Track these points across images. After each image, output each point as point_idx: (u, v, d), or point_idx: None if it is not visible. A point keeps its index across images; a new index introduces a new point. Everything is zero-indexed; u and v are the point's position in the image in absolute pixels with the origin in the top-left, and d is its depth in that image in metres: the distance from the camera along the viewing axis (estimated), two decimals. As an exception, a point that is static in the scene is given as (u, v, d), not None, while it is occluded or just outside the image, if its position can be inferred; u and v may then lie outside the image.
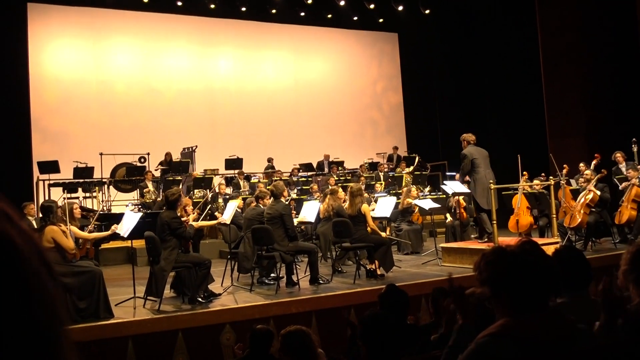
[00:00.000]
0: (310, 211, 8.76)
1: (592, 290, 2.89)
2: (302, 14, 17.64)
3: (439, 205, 10.17)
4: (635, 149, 10.54)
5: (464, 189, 9.52)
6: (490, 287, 1.87)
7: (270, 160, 15.47)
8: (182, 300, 6.77)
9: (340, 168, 15.35)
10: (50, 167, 12.65)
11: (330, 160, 15.94)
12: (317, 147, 16.77)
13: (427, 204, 9.94)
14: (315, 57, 18.95)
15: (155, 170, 13.64)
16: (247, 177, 13.93)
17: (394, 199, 9.33)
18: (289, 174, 14.49)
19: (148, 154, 14.28)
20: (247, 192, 12.53)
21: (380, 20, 18.66)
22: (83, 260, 6.63)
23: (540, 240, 8.23)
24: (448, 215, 11.00)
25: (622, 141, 10.80)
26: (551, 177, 9.26)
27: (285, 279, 7.62)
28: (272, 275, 7.91)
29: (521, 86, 15.21)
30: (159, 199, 11.88)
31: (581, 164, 10.30)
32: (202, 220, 7.77)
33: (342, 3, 16.92)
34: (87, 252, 6.91)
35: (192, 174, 13.37)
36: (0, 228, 0.60)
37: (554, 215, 8.77)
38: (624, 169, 10.22)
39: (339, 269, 8.59)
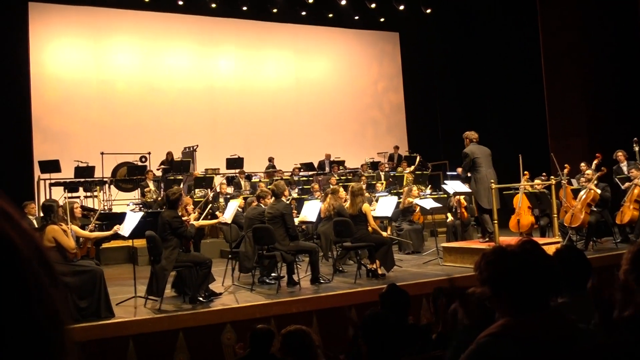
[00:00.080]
0: (311, 211, 8.76)
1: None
2: (303, 13, 17.64)
3: (440, 205, 10.17)
4: (637, 148, 10.53)
5: (464, 188, 9.51)
6: (491, 287, 1.87)
7: (271, 159, 15.48)
8: (183, 300, 6.77)
9: (341, 167, 15.35)
10: (51, 166, 12.66)
11: (331, 159, 15.94)
12: (318, 146, 16.78)
13: (428, 203, 9.94)
14: (316, 57, 18.95)
15: (157, 169, 13.65)
16: (248, 177, 13.93)
17: (395, 199, 9.33)
18: (290, 173, 14.49)
19: (149, 153, 14.29)
20: (248, 192, 12.53)
21: (382, 19, 18.66)
22: (84, 259, 6.64)
23: (541, 240, 8.23)
24: (449, 214, 11.00)
25: (624, 140, 10.80)
26: (552, 177, 9.25)
27: (286, 279, 7.62)
28: (273, 274, 7.90)
29: (522, 86, 15.20)
30: (159, 198, 11.90)
31: (582, 164, 10.29)
32: (203, 219, 7.77)
33: (343, 2, 16.91)
34: (88, 251, 6.92)
35: (193, 174, 13.37)
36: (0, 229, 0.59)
37: (555, 215, 8.76)
38: (625, 168, 10.22)
39: (340, 268, 8.59)
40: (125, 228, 7.02)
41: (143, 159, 14.16)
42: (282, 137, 17.45)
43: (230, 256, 8.40)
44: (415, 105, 19.47)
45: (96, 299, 5.97)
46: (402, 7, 17.02)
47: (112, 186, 13.50)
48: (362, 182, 11.58)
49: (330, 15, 17.99)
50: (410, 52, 19.66)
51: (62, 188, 12.54)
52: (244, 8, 16.56)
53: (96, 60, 16.01)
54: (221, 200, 11.85)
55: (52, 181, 12.73)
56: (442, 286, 4.27)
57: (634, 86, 12.31)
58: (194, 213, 7.52)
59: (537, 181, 10.06)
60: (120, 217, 7.69)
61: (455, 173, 11.71)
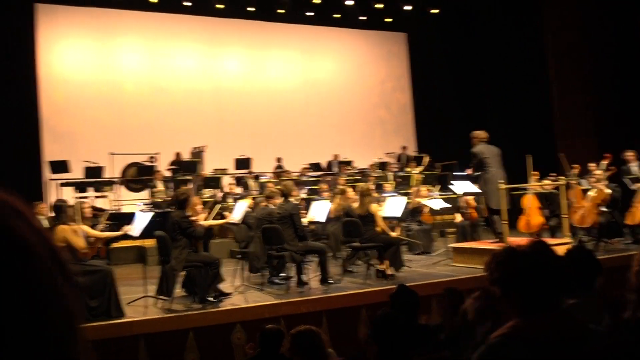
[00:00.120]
0: (320, 211, 8.76)
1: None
2: (310, 14, 17.64)
3: (449, 205, 10.15)
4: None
5: (473, 188, 9.49)
6: (501, 288, 1.88)
7: (279, 160, 15.49)
8: (192, 300, 6.79)
9: (349, 168, 15.34)
10: (61, 166, 12.72)
11: (339, 160, 15.94)
12: (326, 146, 16.78)
13: (438, 203, 9.93)
14: (323, 57, 18.94)
15: (167, 170, 13.70)
16: (257, 177, 13.96)
17: (404, 199, 9.31)
18: (298, 173, 14.50)
19: (158, 153, 14.34)
20: (256, 192, 12.55)
21: (389, 20, 18.63)
22: (94, 259, 6.69)
23: (551, 241, 8.20)
24: (458, 215, 10.97)
25: (632, 140, 10.75)
26: (562, 177, 9.22)
27: (296, 279, 7.63)
28: (282, 274, 7.92)
29: (529, 85, 15.15)
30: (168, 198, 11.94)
31: (592, 164, 10.24)
32: (211, 220, 7.80)
33: (349, 3, 16.90)
34: (98, 251, 6.96)
35: (202, 174, 13.41)
36: (12, 225, 0.60)
37: (565, 216, 8.72)
38: (634, 169, 10.17)
39: (349, 268, 8.59)
40: (135, 228, 7.05)
41: (152, 160, 14.21)
42: (290, 138, 17.45)
43: (239, 256, 8.42)
44: (423, 105, 19.43)
45: (106, 298, 6.00)
46: (409, 8, 16.99)
47: (121, 186, 13.55)
48: (370, 183, 11.58)
49: (337, 15, 17.98)
50: (417, 52, 19.63)
51: (72, 188, 12.60)
52: (251, 9, 16.58)
53: (104, 61, 16.07)
54: (230, 200, 11.88)
55: (62, 181, 12.79)
56: (453, 287, 4.27)
57: (640, 86, 12.27)
58: (203, 213, 7.55)
59: (546, 181, 10.02)
60: (129, 217, 7.72)
61: (464, 173, 11.69)
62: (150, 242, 7.94)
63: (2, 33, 13.92)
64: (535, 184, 9.78)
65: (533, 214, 9.78)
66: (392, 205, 8.97)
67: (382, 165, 15.47)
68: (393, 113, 19.72)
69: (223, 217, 8.77)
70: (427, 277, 7.65)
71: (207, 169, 14.18)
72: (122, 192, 13.59)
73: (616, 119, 12.20)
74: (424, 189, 11.20)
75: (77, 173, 12.85)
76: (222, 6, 16.14)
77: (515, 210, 10.08)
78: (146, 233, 7.05)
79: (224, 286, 7.22)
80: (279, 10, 16.96)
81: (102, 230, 7.23)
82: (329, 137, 17.71)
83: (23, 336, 0.56)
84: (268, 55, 18.13)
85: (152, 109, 16.20)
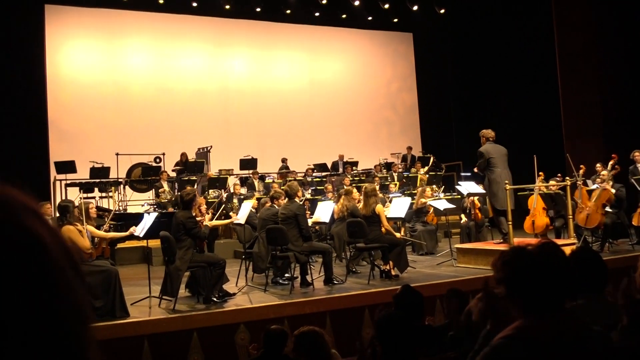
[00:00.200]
0: (324, 211, 8.76)
1: (608, 292, 2.86)
2: (317, 14, 17.66)
3: (453, 206, 10.12)
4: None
5: (478, 189, 9.46)
6: (506, 287, 1.86)
7: (284, 160, 15.50)
8: (197, 300, 6.80)
9: (354, 168, 15.33)
10: (67, 167, 12.77)
11: (345, 160, 15.94)
12: (331, 147, 16.78)
13: (442, 204, 9.90)
14: (330, 58, 18.95)
15: (173, 170, 13.73)
16: (262, 178, 13.96)
17: (408, 200, 9.29)
18: (303, 174, 14.50)
19: (163, 154, 14.37)
20: (261, 193, 12.56)
21: (395, 20, 18.62)
22: (99, 259, 6.69)
23: (556, 242, 8.16)
24: (463, 215, 10.95)
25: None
26: (567, 178, 9.18)
27: (300, 279, 7.62)
28: (286, 275, 7.92)
29: (537, 86, 15.11)
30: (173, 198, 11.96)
31: (598, 165, 10.19)
32: (216, 220, 7.80)
33: (356, 3, 16.91)
34: (103, 251, 6.97)
35: (207, 174, 13.43)
36: (30, 226, 0.60)
37: (571, 216, 8.68)
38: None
39: (353, 269, 8.58)
40: (140, 228, 7.06)
41: (157, 160, 14.24)
42: (296, 138, 17.47)
43: (244, 257, 8.43)
44: (429, 106, 19.41)
45: (111, 298, 6.01)
46: (415, 8, 16.98)
47: (126, 187, 13.59)
48: (375, 183, 11.56)
49: (344, 16, 17.98)
50: (424, 52, 19.61)
51: (77, 189, 12.64)
52: (258, 9, 16.62)
53: (111, 62, 16.13)
54: (235, 201, 11.89)
55: (68, 182, 12.83)
56: (456, 288, 4.26)
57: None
58: (208, 214, 7.55)
59: (552, 182, 9.98)
60: (134, 218, 7.73)
61: (469, 174, 11.66)
62: (155, 243, 7.94)
63: (12, 34, 14.00)
64: (540, 185, 9.74)
65: (538, 215, 9.74)
66: (397, 206, 8.95)
67: (388, 166, 15.45)
68: (399, 113, 19.70)
69: (228, 217, 8.77)
70: (431, 278, 7.63)
71: (213, 170, 14.20)
72: (128, 192, 13.61)
73: (624, 120, 12.15)
74: (428, 190, 11.18)
75: (84, 173, 12.89)
76: (228, 6, 16.17)
77: (521, 211, 10.05)
78: (151, 233, 7.06)
79: (228, 286, 7.23)
80: (286, 11, 16.99)
81: (106, 231, 7.25)
82: (335, 138, 17.71)
83: (37, 335, 0.57)
84: (274, 56, 18.15)
85: (158, 109, 16.24)
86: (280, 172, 14.77)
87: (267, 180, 13.74)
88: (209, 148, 14.68)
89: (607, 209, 9.34)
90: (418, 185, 13.47)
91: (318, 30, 18.55)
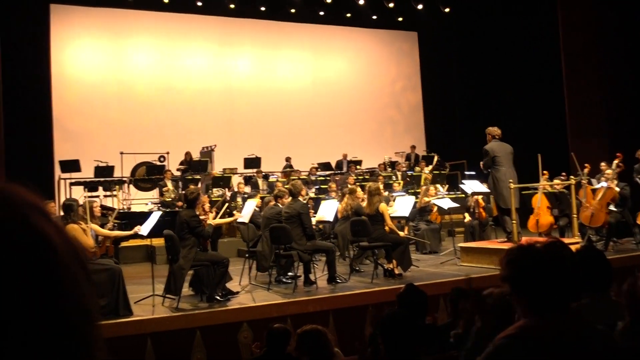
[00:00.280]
0: (328, 210, 8.75)
1: (613, 291, 2.85)
2: (321, 13, 17.65)
3: (457, 205, 10.11)
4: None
5: (483, 188, 9.43)
6: (511, 285, 1.85)
7: (288, 159, 15.50)
8: (200, 299, 6.80)
9: (358, 167, 15.32)
10: (72, 166, 12.79)
11: (349, 159, 15.93)
12: (335, 146, 16.76)
13: (446, 203, 9.89)
14: (334, 57, 18.93)
15: (177, 170, 13.74)
16: (266, 176, 13.97)
17: (412, 198, 9.28)
18: (307, 173, 14.49)
19: (167, 153, 14.39)
20: (265, 191, 12.56)
21: (400, 19, 18.59)
22: (103, 258, 6.70)
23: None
24: (467, 214, 10.93)
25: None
26: (572, 177, 9.14)
27: (303, 278, 7.62)
28: (289, 274, 7.92)
29: (541, 85, 15.08)
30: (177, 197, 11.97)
31: (602, 164, 10.16)
32: (220, 218, 7.80)
33: (361, 2, 16.89)
34: (106, 250, 6.98)
35: (211, 173, 13.44)
36: (36, 224, 0.60)
37: (575, 215, 8.65)
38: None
39: (357, 268, 8.57)
40: (144, 227, 7.07)
41: (162, 159, 14.26)
42: (300, 137, 17.46)
43: (247, 255, 8.43)
44: (434, 105, 19.38)
45: (115, 297, 6.02)
46: (420, 6, 16.96)
47: (131, 185, 13.61)
48: (379, 182, 11.55)
49: (348, 15, 17.98)
50: (429, 51, 19.58)
51: (82, 187, 12.67)
52: (262, 8, 16.62)
53: (115, 61, 16.16)
54: (239, 199, 11.89)
55: (73, 180, 12.86)
56: (460, 287, 4.25)
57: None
58: (212, 212, 7.55)
59: (556, 181, 9.95)
60: (138, 216, 7.74)
61: (473, 173, 11.64)
62: (159, 241, 7.95)
63: (18, 33, 14.03)
64: (545, 183, 9.71)
65: (542, 214, 9.72)
66: (401, 205, 8.94)
67: (392, 165, 15.43)
68: (403, 112, 19.68)
69: (232, 216, 8.78)
70: (435, 277, 7.62)
71: (217, 168, 14.21)
72: (132, 191, 13.64)
73: (629, 119, 12.10)
74: (432, 189, 11.16)
75: (88, 172, 12.92)
76: (233, 6, 16.18)
77: (525, 210, 10.02)
78: (155, 232, 7.06)
79: (232, 285, 7.23)
80: (290, 10, 16.99)
81: (110, 229, 7.26)
82: (339, 137, 17.70)
83: (43, 333, 0.57)
84: (278, 55, 18.15)
85: (162, 108, 16.26)
86: (284, 171, 14.76)
87: (271, 179, 13.74)
88: (213, 147, 14.69)
89: (612, 207, 9.31)
90: (422, 184, 13.45)
91: (322, 30, 18.53)
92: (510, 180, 8.19)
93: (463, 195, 11.04)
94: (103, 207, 10.09)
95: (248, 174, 14.24)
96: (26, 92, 14.07)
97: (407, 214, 8.94)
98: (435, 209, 10.62)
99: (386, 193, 10.51)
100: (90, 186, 12.70)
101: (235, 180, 13.57)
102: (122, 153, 13.62)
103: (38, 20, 14.77)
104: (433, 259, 9.74)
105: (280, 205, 8.03)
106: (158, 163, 13.95)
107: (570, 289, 1.82)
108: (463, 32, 18.06)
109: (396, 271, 7.86)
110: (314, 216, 8.94)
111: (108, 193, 13.07)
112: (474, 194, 9.97)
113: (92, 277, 0.66)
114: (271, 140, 16.83)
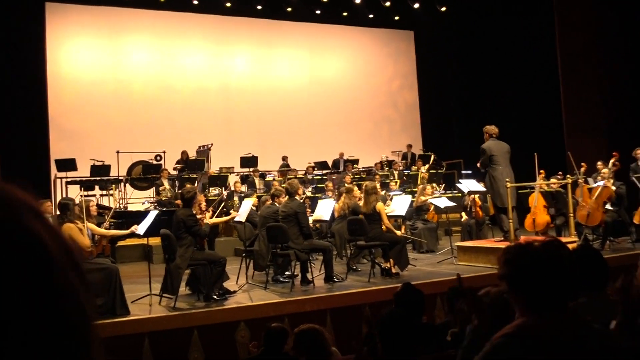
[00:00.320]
0: (325, 209, 8.75)
1: (610, 290, 2.86)
2: (318, 12, 17.65)
3: (454, 204, 10.12)
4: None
5: (479, 187, 9.44)
6: (508, 284, 1.85)
7: (285, 158, 15.49)
8: (197, 298, 6.79)
9: (355, 166, 15.33)
10: (68, 165, 12.76)
11: (346, 158, 15.93)
12: (332, 145, 16.76)
13: (443, 202, 9.90)
14: (331, 55, 18.93)
15: (174, 169, 13.73)
16: (262, 175, 13.97)
17: (409, 197, 9.29)
18: (304, 172, 14.49)
19: (164, 152, 14.37)
20: (262, 190, 12.55)
21: (396, 18, 18.60)
22: (99, 257, 6.68)
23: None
24: (464, 213, 10.94)
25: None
26: (568, 176, 9.16)
27: (300, 277, 7.62)
28: (286, 273, 7.92)
29: (538, 84, 15.10)
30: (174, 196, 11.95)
31: (599, 163, 10.18)
32: (216, 217, 7.80)
33: (357, 1, 16.89)
34: (103, 249, 6.96)
35: (208, 172, 13.42)
36: (29, 225, 0.60)
37: (571, 214, 8.67)
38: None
39: (354, 267, 8.58)
40: (141, 226, 7.06)
41: (158, 158, 14.24)
42: (296, 136, 17.46)
43: (244, 254, 8.42)
44: (430, 104, 19.40)
45: (112, 296, 6.01)
46: (417, 5, 16.97)
47: (127, 185, 13.59)
48: (376, 181, 11.55)
49: (345, 13, 17.98)
50: (425, 50, 19.59)
51: (78, 186, 12.64)
52: (259, 7, 16.61)
53: (112, 60, 16.12)
54: (236, 198, 11.88)
55: (69, 179, 12.82)
56: (456, 285, 4.25)
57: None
58: (209, 211, 7.54)
59: (553, 180, 9.97)
60: (135, 215, 7.73)
61: (470, 172, 11.65)
62: (155, 240, 7.94)
63: (13, 31, 14.00)
64: (541, 182, 9.73)
65: (539, 213, 9.74)
66: (397, 204, 8.95)
67: (388, 164, 15.44)
68: (400, 111, 19.69)
69: (229, 214, 8.77)
70: (432, 276, 7.63)
71: (213, 167, 14.20)
72: (128, 190, 13.61)
73: (626, 118, 12.13)
74: (429, 188, 11.17)
75: (84, 171, 12.89)
76: (229, 4, 16.16)
77: (522, 209, 10.04)
78: (151, 231, 7.05)
79: (229, 284, 7.23)
80: (287, 9, 16.98)
81: (107, 228, 7.24)
82: (335, 136, 17.71)
83: (38, 335, 0.56)
84: (275, 54, 18.14)
85: (158, 107, 16.24)
86: (281, 170, 14.76)
87: (268, 178, 13.73)
88: (209, 146, 14.68)
89: (608, 206, 9.33)
90: (419, 183, 13.45)
91: (319, 28, 18.52)
92: (507, 180, 8.19)
93: (460, 194, 11.04)
94: (99, 206, 10.07)
95: (245, 173, 14.22)
96: (22, 91, 14.04)
97: (404, 213, 8.96)
98: (432, 208, 10.63)
99: (383, 192, 10.50)
100: (86, 185, 12.66)
101: (232, 179, 13.55)
102: (118, 152, 13.59)
103: (33, 19, 14.72)
104: (430, 258, 9.75)
105: (277, 204, 8.03)
106: (154, 162, 13.93)
107: (568, 288, 1.83)
108: (460, 31, 18.08)
109: (393, 270, 7.87)
110: (311, 215, 8.94)
111: (104, 192, 13.03)
112: (470, 193, 9.98)
113: (89, 276, 0.66)
114: (268, 139, 16.83)
